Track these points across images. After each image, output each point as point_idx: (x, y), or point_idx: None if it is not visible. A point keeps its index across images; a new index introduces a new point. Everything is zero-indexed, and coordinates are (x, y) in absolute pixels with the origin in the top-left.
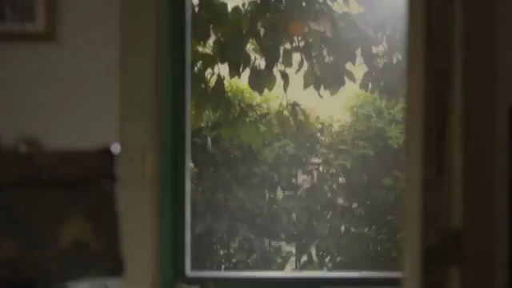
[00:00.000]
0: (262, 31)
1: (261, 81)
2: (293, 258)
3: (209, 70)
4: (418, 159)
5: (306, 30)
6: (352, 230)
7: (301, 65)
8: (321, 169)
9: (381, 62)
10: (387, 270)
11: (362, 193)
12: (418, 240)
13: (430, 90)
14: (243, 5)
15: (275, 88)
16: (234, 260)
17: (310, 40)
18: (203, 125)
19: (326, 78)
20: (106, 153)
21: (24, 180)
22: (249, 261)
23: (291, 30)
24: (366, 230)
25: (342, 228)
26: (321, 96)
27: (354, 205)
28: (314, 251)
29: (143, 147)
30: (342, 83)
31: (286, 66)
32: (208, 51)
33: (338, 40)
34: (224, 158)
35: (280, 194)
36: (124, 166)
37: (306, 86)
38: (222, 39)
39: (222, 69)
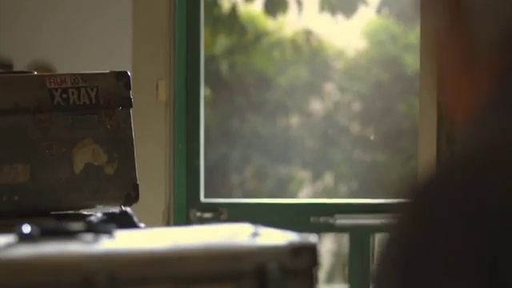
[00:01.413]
0: None
1: (275, 6)
2: (307, 185)
3: None
4: (433, 82)
5: None
6: (367, 156)
7: None
8: (335, 95)
9: None
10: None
11: (377, 119)
12: (432, 166)
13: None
14: None
15: (289, 14)
16: (248, 186)
17: None
18: (217, 51)
19: (341, 3)
20: (119, 77)
21: (37, 104)
22: (263, 187)
23: None
24: (380, 156)
25: (357, 155)
26: (336, 21)
27: (369, 131)
28: (328, 178)
29: (157, 73)
30: (357, 8)
31: None
32: None
33: None
34: (238, 84)
35: (294, 120)
36: (137, 91)
37: (320, 11)
38: None
39: None
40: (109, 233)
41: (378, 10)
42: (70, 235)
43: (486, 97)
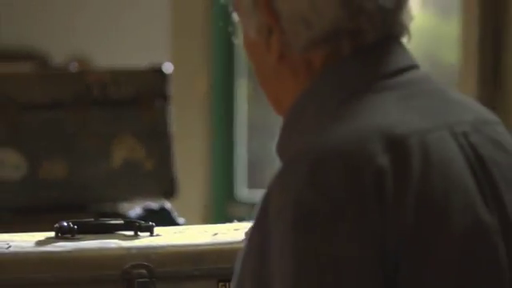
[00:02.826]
0: None
1: None
2: None
3: None
4: (472, 76)
5: None
6: None
7: None
8: None
9: None
10: None
11: None
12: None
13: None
14: None
15: None
16: None
17: None
18: None
19: None
20: (158, 72)
21: (74, 98)
22: None
23: None
24: None
25: None
26: None
27: None
28: None
29: (195, 67)
30: None
31: None
32: None
33: None
34: None
35: None
36: (175, 84)
37: None
38: None
39: None
40: (148, 229)
41: (416, 2)
42: (110, 231)
43: (299, 94)
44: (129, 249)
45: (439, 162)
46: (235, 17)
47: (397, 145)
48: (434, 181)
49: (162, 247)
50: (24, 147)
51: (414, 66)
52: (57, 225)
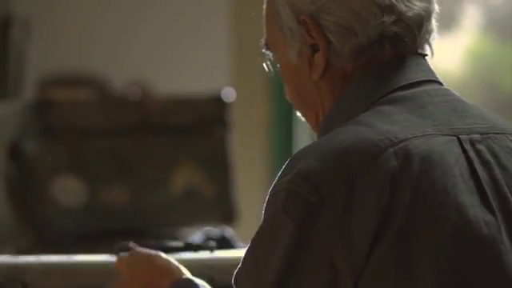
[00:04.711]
0: None
1: None
2: None
3: None
4: None
5: None
6: None
7: None
8: None
9: None
10: None
11: None
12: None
13: None
14: None
15: None
16: None
17: None
18: None
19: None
20: (218, 99)
21: (134, 125)
22: None
23: None
24: None
25: None
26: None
27: None
28: None
29: (255, 92)
30: (451, 27)
31: None
32: None
33: None
34: None
35: None
36: (236, 111)
37: None
38: None
39: None
40: (209, 249)
41: (474, 26)
42: (170, 253)
43: (327, 111)
44: (187, 260)
45: (439, 163)
46: (269, 55)
47: (398, 148)
48: (431, 180)
49: (222, 258)
50: (84, 173)
51: (431, 81)
52: (117, 246)
